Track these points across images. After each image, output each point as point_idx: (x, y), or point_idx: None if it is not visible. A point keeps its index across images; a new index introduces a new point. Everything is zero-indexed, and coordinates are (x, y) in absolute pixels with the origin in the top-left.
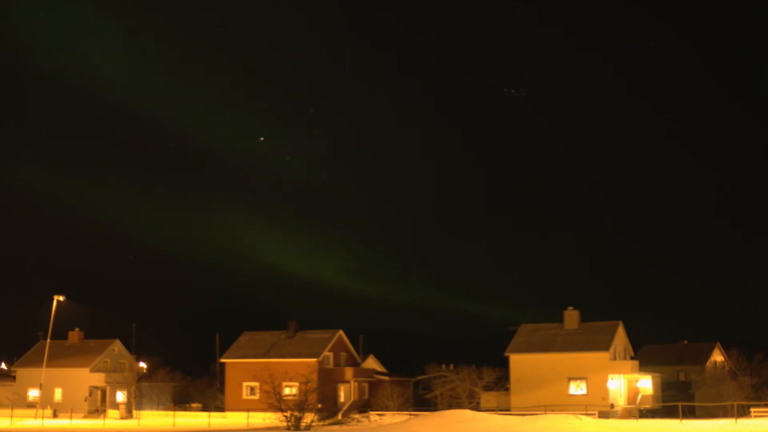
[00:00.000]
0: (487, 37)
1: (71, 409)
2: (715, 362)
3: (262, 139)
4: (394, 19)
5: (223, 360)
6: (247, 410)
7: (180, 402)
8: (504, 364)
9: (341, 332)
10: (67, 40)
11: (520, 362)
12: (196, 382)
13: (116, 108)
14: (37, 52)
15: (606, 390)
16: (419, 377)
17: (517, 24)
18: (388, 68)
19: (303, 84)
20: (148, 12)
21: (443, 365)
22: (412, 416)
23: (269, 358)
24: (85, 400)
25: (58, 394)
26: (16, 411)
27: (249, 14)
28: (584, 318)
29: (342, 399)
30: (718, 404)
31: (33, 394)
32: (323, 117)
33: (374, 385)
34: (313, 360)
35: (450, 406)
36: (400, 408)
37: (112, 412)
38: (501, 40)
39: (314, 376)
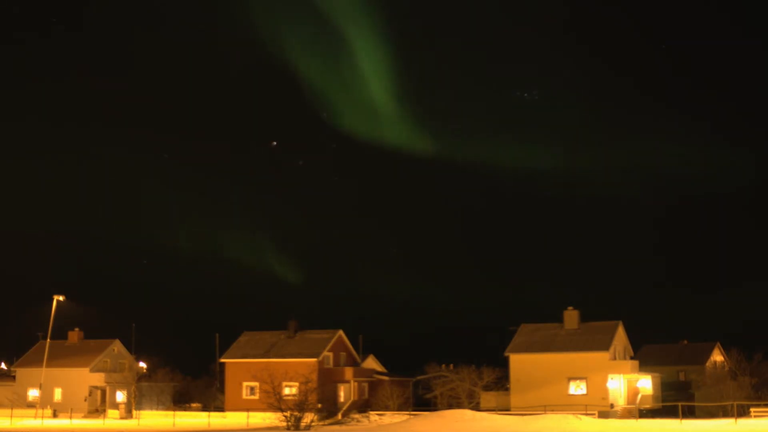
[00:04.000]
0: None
1: (71, 409)
2: (715, 362)
3: (274, 143)
4: (401, 23)
5: (222, 360)
6: (247, 410)
7: (180, 402)
8: (504, 364)
9: (341, 332)
10: None
11: (520, 362)
12: (196, 382)
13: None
14: None
15: (606, 390)
16: (419, 377)
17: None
18: (395, 71)
19: (313, 87)
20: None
21: (443, 365)
22: (412, 416)
23: (269, 358)
24: (85, 400)
25: (57, 394)
26: (16, 411)
27: (257, 17)
28: (584, 318)
29: (342, 399)
30: (718, 404)
31: (33, 394)
32: (334, 120)
33: (374, 385)
34: (313, 360)
35: (450, 406)
36: (400, 408)
37: (111, 412)
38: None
39: (314, 376)
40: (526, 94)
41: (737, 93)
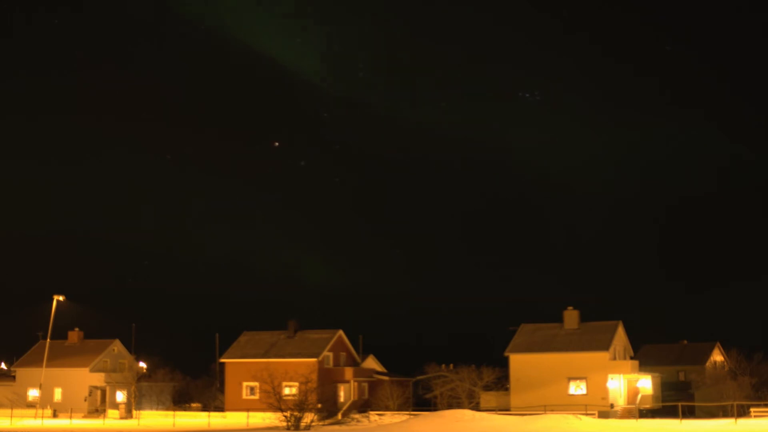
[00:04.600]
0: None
1: (71, 409)
2: (715, 362)
3: (276, 144)
4: (405, 25)
5: (222, 360)
6: (247, 410)
7: (180, 402)
8: (504, 364)
9: (341, 332)
10: None
11: (519, 362)
12: (196, 382)
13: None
14: None
15: (606, 390)
16: (419, 377)
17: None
18: (399, 72)
19: (315, 88)
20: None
21: (443, 365)
22: (411, 416)
23: (269, 358)
24: (85, 400)
25: (57, 394)
26: (16, 411)
27: (262, 19)
28: (584, 318)
29: (342, 399)
30: (718, 404)
31: (33, 394)
32: (336, 121)
33: (374, 385)
34: (313, 360)
35: (450, 406)
36: (400, 408)
37: (111, 412)
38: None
39: (314, 376)
40: (527, 95)
41: (738, 91)
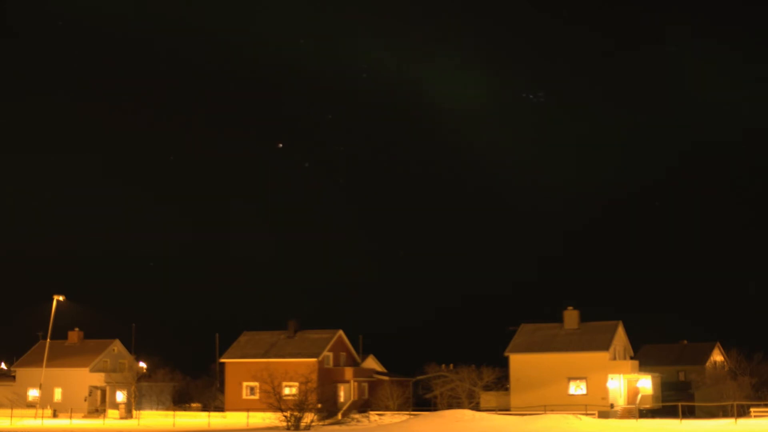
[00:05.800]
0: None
1: (71, 409)
2: (715, 362)
3: (280, 145)
4: (406, 27)
5: (222, 360)
6: (247, 410)
7: (180, 402)
8: (504, 364)
9: (341, 332)
10: None
11: (519, 362)
12: (196, 382)
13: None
14: None
15: (606, 390)
16: (419, 377)
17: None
18: (401, 74)
19: (320, 90)
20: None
21: (443, 365)
22: (411, 416)
23: (269, 358)
24: (85, 400)
25: (57, 394)
26: (16, 411)
27: (264, 20)
28: (584, 318)
29: (342, 399)
30: (718, 404)
31: (33, 394)
32: (340, 123)
33: (374, 385)
34: (313, 360)
35: (450, 406)
36: (400, 408)
37: (111, 412)
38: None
39: (314, 376)
40: (531, 96)
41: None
